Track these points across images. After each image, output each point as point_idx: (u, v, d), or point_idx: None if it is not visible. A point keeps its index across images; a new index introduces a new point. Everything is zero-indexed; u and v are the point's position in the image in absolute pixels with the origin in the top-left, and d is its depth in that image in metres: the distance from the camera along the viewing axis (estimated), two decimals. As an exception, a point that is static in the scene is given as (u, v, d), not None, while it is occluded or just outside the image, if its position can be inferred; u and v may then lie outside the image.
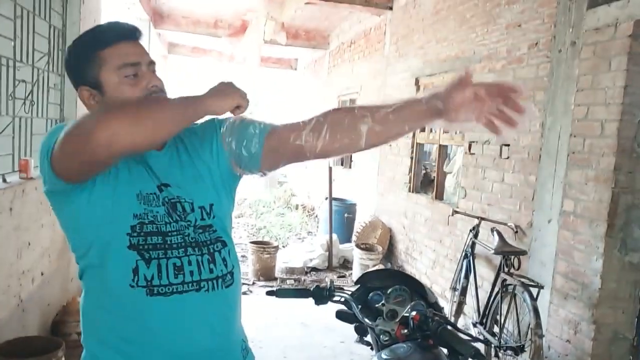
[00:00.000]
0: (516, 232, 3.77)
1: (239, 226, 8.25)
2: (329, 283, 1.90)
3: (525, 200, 3.78)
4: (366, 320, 1.87)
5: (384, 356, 1.70)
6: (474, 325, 3.67)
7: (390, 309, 1.83)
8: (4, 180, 2.82)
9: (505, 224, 3.82)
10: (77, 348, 3.35)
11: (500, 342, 3.26)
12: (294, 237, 7.92)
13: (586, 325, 3.13)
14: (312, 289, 1.85)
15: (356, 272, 5.81)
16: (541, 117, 3.61)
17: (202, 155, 1.26)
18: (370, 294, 1.91)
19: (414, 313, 1.74)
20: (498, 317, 3.43)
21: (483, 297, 3.73)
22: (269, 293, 1.98)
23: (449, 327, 1.64)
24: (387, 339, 1.82)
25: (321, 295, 1.85)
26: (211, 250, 1.20)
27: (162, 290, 1.13)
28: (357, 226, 6.82)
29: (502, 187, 4.08)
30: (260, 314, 4.30)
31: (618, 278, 3.05)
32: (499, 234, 3.57)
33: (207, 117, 1.14)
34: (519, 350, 3.10)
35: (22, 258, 2.87)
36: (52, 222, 3.43)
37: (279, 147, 1.18)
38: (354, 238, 6.71)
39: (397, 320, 1.82)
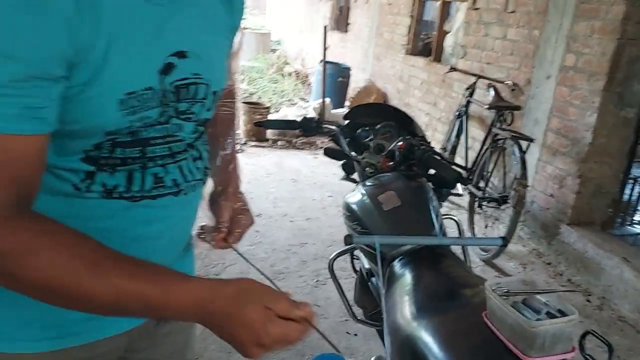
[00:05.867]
0: (513, 89, 3.68)
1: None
2: (316, 118, 1.86)
3: (526, 57, 3.64)
4: (353, 153, 1.85)
5: (368, 183, 1.70)
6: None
7: (377, 143, 1.81)
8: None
9: (502, 82, 3.71)
10: None
11: (484, 195, 3.32)
12: (287, 102, 7.79)
13: (571, 179, 3.18)
14: (300, 120, 1.82)
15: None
16: (553, -37, 3.33)
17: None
18: (359, 130, 1.86)
19: (400, 143, 1.71)
20: (485, 173, 3.46)
21: (472, 157, 3.74)
22: (256, 124, 1.94)
23: (434, 155, 1.62)
24: (372, 170, 1.82)
25: (309, 126, 1.81)
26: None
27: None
28: (351, 91, 6.69)
29: (504, 44, 3.90)
30: (251, 171, 4.36)
31: (609, 133, 3.04)
32: (496, 90, 3.48)
33: None
34: (501, 200, 3.17)
35: None
36: None
37: None
38: (347, 103, 6.62)
39: (384, 154, 1.80)
